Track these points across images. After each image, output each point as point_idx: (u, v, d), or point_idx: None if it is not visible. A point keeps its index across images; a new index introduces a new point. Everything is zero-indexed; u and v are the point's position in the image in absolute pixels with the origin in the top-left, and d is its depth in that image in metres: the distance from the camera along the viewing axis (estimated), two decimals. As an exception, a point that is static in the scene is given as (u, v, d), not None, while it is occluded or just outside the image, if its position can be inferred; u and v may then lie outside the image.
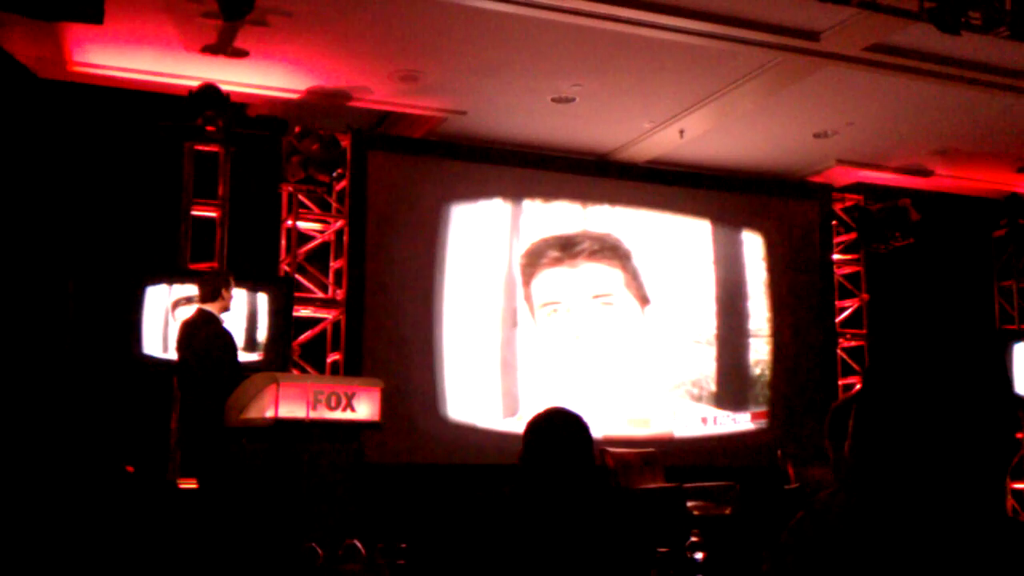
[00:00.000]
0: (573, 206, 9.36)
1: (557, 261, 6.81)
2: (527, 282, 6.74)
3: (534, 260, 6.88)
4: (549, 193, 9.34)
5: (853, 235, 10.32)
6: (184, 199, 8.08)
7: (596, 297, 6.89)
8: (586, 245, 6.91)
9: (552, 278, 6.74)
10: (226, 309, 6.59)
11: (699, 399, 9.49)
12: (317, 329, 8.58)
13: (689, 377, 9.51)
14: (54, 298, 7.65)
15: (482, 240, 9.02)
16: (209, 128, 7.69)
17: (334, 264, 8.72)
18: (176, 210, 8.08)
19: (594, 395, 7.84)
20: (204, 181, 8.16)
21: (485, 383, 8.86)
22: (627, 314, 6.90)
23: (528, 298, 6.66)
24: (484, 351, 8.86)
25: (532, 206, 9.21)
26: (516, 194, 9.21)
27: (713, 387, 9.62)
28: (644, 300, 6.91)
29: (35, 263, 7.64)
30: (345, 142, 8.55)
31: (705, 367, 9.60)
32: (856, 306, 10.42)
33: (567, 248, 6.84)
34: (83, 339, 7.61)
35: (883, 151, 9.60)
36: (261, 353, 7.87)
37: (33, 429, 7.36)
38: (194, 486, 6.14)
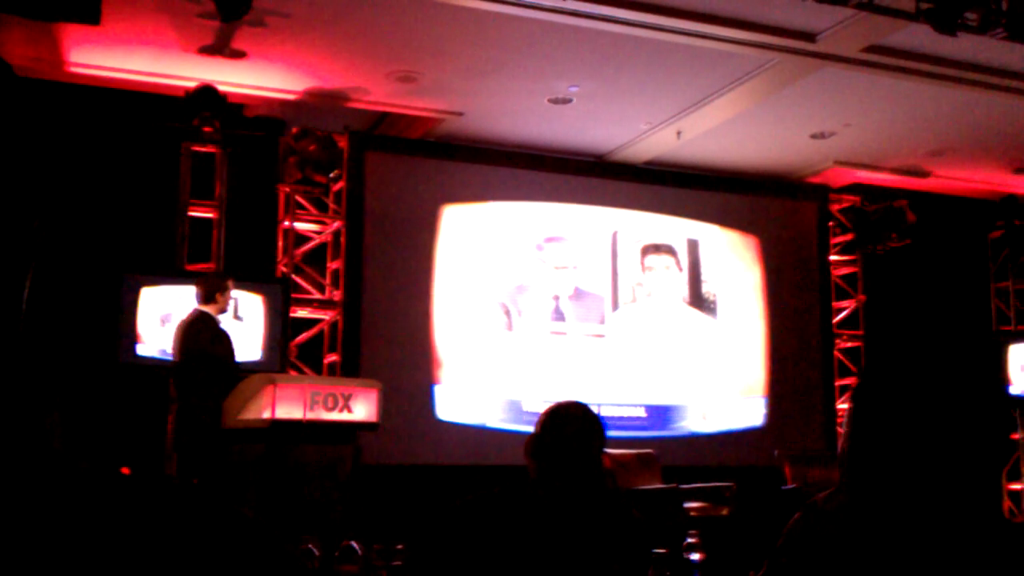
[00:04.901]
0: (570, 207, 9.41)
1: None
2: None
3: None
4: (546, 194, 9.36)
5: (850, 236, 10.32)
6: (181, 200, 8.07)
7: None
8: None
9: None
10: (223, 311, 6.59)
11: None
12: (314, 330, 8.57)
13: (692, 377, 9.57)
14: (48, 299, 7.63)
15: (479, 241, 9.04)
16: (206, 129, 7.69)
17: (331, 265, 8.71)
18: (173, 211, 8.07)
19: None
20: (201, 182, 8.14)
21: (482, 384, 8.87)
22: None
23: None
24: (481, 352, 8.87)
25: (529, 207, 9.26)
26: (513, 195, 9.23)
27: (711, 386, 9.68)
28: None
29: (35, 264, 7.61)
30: (342, 143, 8.55)
31: (702, 367, 9.65)
32: (853, 307, 10.42)
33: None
34: (78, 340, 7.59)
35: (880, 152, 9.61)
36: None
37: (28, 432, 7.33)
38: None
